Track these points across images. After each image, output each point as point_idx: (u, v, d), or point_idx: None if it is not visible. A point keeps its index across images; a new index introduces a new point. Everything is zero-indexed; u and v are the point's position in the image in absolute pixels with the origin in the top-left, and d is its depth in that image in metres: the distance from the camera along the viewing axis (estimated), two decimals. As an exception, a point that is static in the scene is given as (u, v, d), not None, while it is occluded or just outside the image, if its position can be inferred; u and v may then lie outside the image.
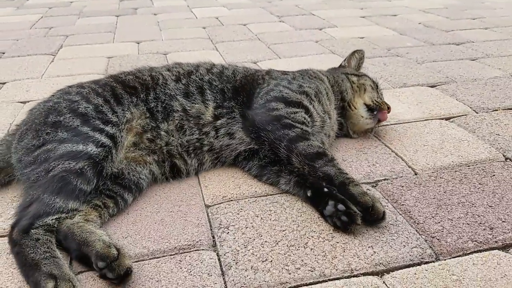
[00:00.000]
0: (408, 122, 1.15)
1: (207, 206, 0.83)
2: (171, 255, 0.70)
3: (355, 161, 0.96)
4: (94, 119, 0.85)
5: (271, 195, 0.85)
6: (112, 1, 3.17)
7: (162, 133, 0.91)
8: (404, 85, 1.42)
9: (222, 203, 0.84)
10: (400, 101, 1.28)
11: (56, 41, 2.07)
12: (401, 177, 0.90)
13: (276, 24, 2.40)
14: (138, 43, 2.01)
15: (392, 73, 1.54)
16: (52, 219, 0.71)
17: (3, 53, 1.90)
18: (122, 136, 0.87)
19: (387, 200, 0.82)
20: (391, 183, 0.87)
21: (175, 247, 0.71)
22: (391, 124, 1.14)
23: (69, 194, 0.74)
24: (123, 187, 0.84)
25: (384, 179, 0.89)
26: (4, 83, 1.52)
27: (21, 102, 1.32)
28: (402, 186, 0.86)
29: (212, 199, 0.85)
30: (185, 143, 0.92)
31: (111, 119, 0.86)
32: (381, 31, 2.17)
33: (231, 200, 0.84)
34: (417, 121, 1.15)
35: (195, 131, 0.93)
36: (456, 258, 0.67)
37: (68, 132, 0.82)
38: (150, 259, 0.69)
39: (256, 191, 0.86)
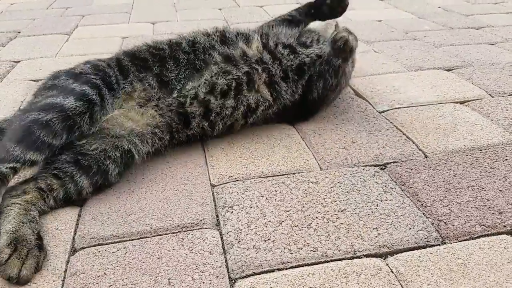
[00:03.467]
0: (422, 105, 1.12)
1: (213, 186, 0.83)
2: (173, 233, 0.70)
3: (365, 143, 0.95)
4: (88, 74, 0.84)
5: (277, 175, 0.84)
6: (128, -18, 3.15)
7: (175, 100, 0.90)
8: (419, 68, 1.38)
9: (228, 182, 0.83)
10: (415, 84, 1.25)
11: (72, 21, 2.07)
12: (411, 160, 0.88)
13: (293, 6, 2.35)
14: (153, 23, 2.01)
15: (408, 57, 1.50)
16: (7, 167, 0.71)
17: (19, 32, 1.92)
18: (114, 99, 0.86)
19: (395, 182, 0.81)
20: (400, 166, 0.86)
21: (178, 225, 0.72)
22: (404, 107, 1.11)
23: (29, 144, 0.73)
24: (80, 166, 0.78)
25: (393, 162, 0.88)
26: (18, 62, 1.53)
27: (33, 80, 1.33)
28: (411, 169, 0.84)
29: (218, 178, 0.85)
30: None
31: (110, 79, 0.86)
32: (399, 14, 2.12)
33: (237, 180, 0.84)
34: (430, 105, 1.12)
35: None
36: (462, 242, 0.66)
37: (58, 89, 0.82)
38: (153, 236, 0.70)
39: (263, 172, 0.86)
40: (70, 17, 2.15)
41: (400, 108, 1.11)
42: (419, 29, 1.85)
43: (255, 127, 1.03)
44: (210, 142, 0.98)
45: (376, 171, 0.84)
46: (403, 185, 0.80)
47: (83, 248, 0.68)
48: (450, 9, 2.21)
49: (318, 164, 0.88)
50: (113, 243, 0.68)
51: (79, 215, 0.76)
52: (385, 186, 0.79)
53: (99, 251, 0.67)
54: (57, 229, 0.72)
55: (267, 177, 0.84)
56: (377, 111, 1.11)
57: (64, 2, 2.53)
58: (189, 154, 0.94)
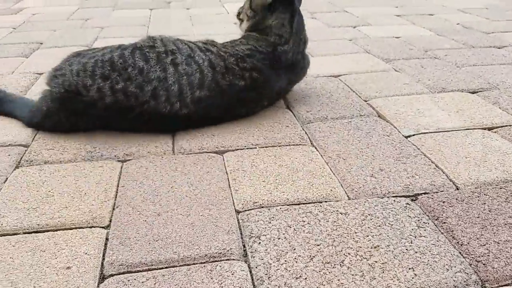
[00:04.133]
0: (448, 131, 1.10)
1: (238, 212, 0.81)
2: (201, 263, 0.68)
3: (393, 171, 0.92)
4: None
5: (304, 203, 0.82)
6: (145, -8, 3.17)
7: None
8: (443, 90, 1.36)
9: (253, 209, 0.81)
10: (439, 108, 1.23)
11: (91, 33, 2.08)
12: (442, 191, 0.86)
13: (308, 20, 2.35)
14: (170, 37, 2.00)
15: (430, 77, 1.48)
16: None
17: (41, 43, 1.93)
18: None
19: (428, 216, 0.78)
20: (432, 198, 0.83)
21: (206, 255, 0.70)
22: (431, 132, 1.09)
23: None
24: None
25: (424, 193, 0.85)
26: (41, 74, 1.53)
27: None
28: (443, 202, 0.82)
29: (242, 204, 0.83)
30: None
31: None
32: (417, 31, 2.10)
33: (263, 207, 0.82)
34: (457, 130, 1.10)
35: None
36: (504, 287, 0.63)
37: None
38: (181, 265, 0.68)
39: (288, 199, 0.84)
40: (89, 29, 2.16)
41: (426, 133, 1.09)
42: (439, 47, 1.83)
43: (277, 149, 1.01)
44: (232, 163, 0.97)
45: (407, 203, 0.81)
46: (436, 219, 0.77)
47: (112, 275, 0.66)
48: (469, 26, 2.18)
49: (346, 193, 0.86)
50: (142, 271, 0.67)
51: (107, 239, 0.74)
52: (418, 220, 0.76)
53: (129, 280, 0.65)
54: (86, 253, 0.70)
55: (293, 204, 0.82)
56: (402, 135, 1.09)
57: (84, 13, 2.55)
58: (212, 175, 0.92)
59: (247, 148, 1.04)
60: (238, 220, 0.78)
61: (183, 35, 2.04)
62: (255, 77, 1.08)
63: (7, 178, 0.92)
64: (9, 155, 1.01)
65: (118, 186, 0.90)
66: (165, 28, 2.18)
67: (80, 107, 1.01)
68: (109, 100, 1.01)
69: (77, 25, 2.25)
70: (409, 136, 1.08)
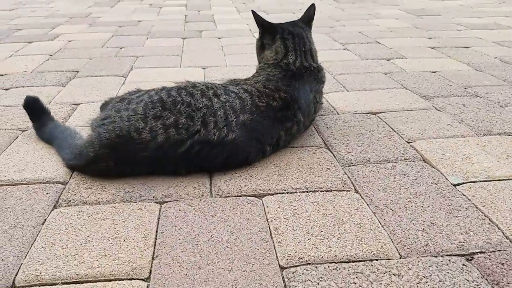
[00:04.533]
0: (500, 180, 1.04)
1: (282, 268, 0.77)
2: (248, 328, 0.64)
3: (445, 226, 0.87)
4: None
5: (353, 261, 0.78)
6: (178, 22, 3.22)
7: None
8: (489, 133, 1.31)
9: (298, 266, 0.77)
10: (487, 153, 1.17)
11: (126, 62, 2.10)
12: (499, 250, 0.80)
13: (340, 52, 2.33)
14: (204, 68, 2.01)
15: (474, 117, 1.43)
16: None
17: (77, 71, 1.96)
18: None
19: (487, 281, 0.73)
20: (489, 259, 0.78)
21: (252, 319, 0.66)
22: (481, 181, 1.04)
23: None
24: None
25: (480, 252, 0.80)
26: (78, 104, 1.54)
27: (93, 127, 1.32)
28: (503, 264, 0.76)
29: (287, 259, 0.79)
30: None
31: None
32: (454, 65, 2.05)
33: (309, 264, 0.78)
34: (510, 180, 1.04)
35: None
36: None
37: None
38: (226, 330, 0.64)
39: (336, 255, 0.80)
40: (124, 58, 2.18)
41: (476, 182, 1.03)
42: (478, 84, 1.78)
43: (319, 195, 0.98)
44: (272, 210, 0.93)
45: (463, 264, 0.76)
46: (496, 284, 0.72)
47: None
48: (508, 61, 2.13)
49: (397, 249, 0.81)
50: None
51: (148, 292, 0.71)
52: (477, 285, 0.71)
53: None
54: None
55: (341, 262, 0.78)
56: (451, 183, 1.04)
57: (118, 41, 2.59)
58: (252, 223, 0.89)
59: (287, 193, 1.01)
60: (283, 278, 0.75)
61: (217, 65, 2.05)
62: (283, 97, 1.14)
63: (45, 220, 0.91)
64: (47, 193, 1.00)
65: (157, 232, 0.87)
66: (199, 58, 2.19)
67: (131, 151, 1.01)
68: (161, 139, 1.01)
69: (112, 54, 2.28)
70: (457, 185, 1.03)
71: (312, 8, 1.38)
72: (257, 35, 1.35)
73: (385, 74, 1.92)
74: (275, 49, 1.26)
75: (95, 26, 3.06)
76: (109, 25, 3.12)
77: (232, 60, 2.16)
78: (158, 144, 1.01)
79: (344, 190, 1.01)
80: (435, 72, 1.95)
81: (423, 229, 0.87)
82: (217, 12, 3.67)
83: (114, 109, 1.07)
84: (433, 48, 2.40)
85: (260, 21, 1.29)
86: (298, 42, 1.27)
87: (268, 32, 1.30)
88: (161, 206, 0.96)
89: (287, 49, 1.25)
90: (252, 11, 1.31)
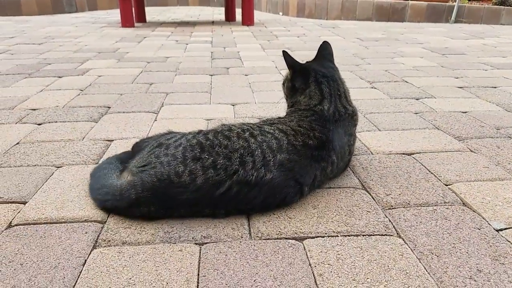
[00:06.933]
0: (547, 228, 1.01)
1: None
2: None
3: (493, 274, 0.84)
4: None
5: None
6: (204, 58, 3.28)
7: None
8: (529, 177, 1.28)
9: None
10: (530, 198, 1.14)
11: (157, 99, 2.14)
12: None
13: (368, 90, 2.34)
14: (234, 105, 2.03)
15: (510, 160, 1.40)
16: None
17: (109, 107, 1.99)
18: None
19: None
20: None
21: None
22: (528, 229, 1.00)
23: None
24: None
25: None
26: (111, 141, 1.56)
27: (128, 165, 1.33)
28: None
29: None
30: None
31: None
32: (484, 106, 2.04)
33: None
34: (558, 227, 1.01)
35: None
36: None
37: None
38: None
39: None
40: (154, 94, 2.22)
41: (523, 230, 1.00)
42: (510, 125, 1.75)
43: (361, 239, 0.96)
44: (315, 254, 0.91)
45: (523, 320, 0.73)
46: None
47: None
48: (538, 102, 2.10)
49: (448, 301, 0.78)
50: None
51: None
52: None
53: None
54: None
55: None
56: (494, 228, 1.01)
57: (147, 77, 2.64)
58: (296, 268, 0.87)
59: (328, 236, 0.99)
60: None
61: (246, 102, 2.07)
62: (318, 136, 1.14)
63: (85, 260, 0.90)
64: (86, 232, 1.00)
65: (199, 275, 0.86)
66: (228, 94, 2.22)
67: (171, 194, 1.01)
68: (201, 180, 1.01)
69: (142, 90, 2.32)
70: (500, 230, 1.00)
71: (328, 45, 1.37)
72: (283, 72, 1.35)
73: (416, 113, 1.91)
74: (309, 94, 1.24)
75: (123, 62, 3.13)
76: (137, 60, 3.19)
77: (261, 96, 2.18)
78: (197, 186, 1.01)
79: (386, 235, 0.99)
80: (465, 112, 1.94)
81: (471, 276, 0.84)
82: (242, 49, 3.73)
83: (153, 155, 1.07)
84: (461, 87, 2.39)
85: (291, 63, 1.26)
86: (333, 85, 1.26)
87: (300, 74, 1.27)
88: (200, 247, 0.95)
89: (323, 95, 1.23)
90: (284, 51, 1.28)
